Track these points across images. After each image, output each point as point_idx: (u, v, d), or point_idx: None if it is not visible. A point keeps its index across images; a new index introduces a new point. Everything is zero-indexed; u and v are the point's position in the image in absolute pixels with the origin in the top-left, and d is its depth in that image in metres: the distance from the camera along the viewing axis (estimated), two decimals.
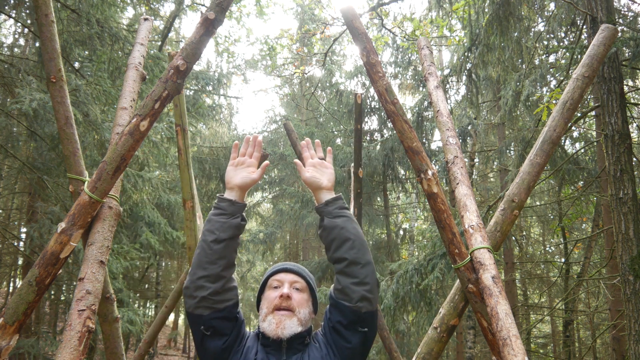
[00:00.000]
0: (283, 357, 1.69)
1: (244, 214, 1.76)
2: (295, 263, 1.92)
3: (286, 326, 1.68)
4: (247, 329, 1.86)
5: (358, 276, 1.67)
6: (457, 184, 2.20)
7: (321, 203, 1.79)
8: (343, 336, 1.69)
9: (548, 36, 8.68)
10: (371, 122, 14.28)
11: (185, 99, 3.68)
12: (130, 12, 12.47)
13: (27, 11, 7.34)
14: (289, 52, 17.21)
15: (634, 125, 8.93)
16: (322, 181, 1.81)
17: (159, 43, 10.81)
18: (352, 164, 3.16)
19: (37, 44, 7.94)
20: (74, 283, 6.01)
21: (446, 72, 10.95)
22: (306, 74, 16.12)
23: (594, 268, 11.03)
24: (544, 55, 8.72)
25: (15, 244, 9.73)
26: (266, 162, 1.85)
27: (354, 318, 1.67)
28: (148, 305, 21.74)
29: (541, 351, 14.70)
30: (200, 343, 1.70)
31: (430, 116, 10.63)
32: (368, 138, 13.96)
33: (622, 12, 7.94)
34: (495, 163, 12.44)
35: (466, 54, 7.86)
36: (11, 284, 14.01)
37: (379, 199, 14.84)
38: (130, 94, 2.34)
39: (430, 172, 1.98)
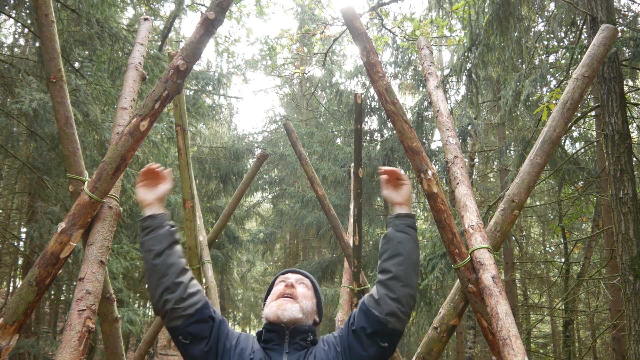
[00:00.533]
0: (286, 351, 1.69)
1: (170, 222, 1.83)
2: (302, 270, 2.01)
3: (287, 308, 1.72)
4: (232, 328, 1.87)
5: (396, 292, 1.70)
6: (457, 184, 2.20)
7: (393, 215, 1.87)
8: (362, 343, 1.69)
9: (548, 36, 8.68)
10: (371, 122, 14.29)
11: (185, 99, 3.68)
12: (130, 12, 12.47)
13: (27, 11, 7.34)
14: (289, 52, 17.21)
15: (634, 125, 8.93)
16: (396, 198, 1.89)
17: (159, 43, 10.80)
18: (352, 164, 3.15)
19: (37, 44, 7.94)
20: (74, 283, 6.00)
21: (446, 72, 10.96)
22: (306, 74, 16.11)
23: (594, 268, 11.03)
24: (544, 55, 8.72)
25: (15, 244, 9.73)
26: (168, 169, 1.92)
27: (379, 329, 1.68)
28: (148, 305, 21.73)
29: (541, 351, 14.70)
30: (184, 353, 1.72)
31: (430, 116, 10.64)
32: (368, 138, 13.96)
33: (622, 12, 7.94)
34: (495, 163, 12.44)
35: (466, 54, 7.86)
36: (11, 284, 14.01)
37: (379, 199, 14.83)
38: (130, 94, 2.34)
39: (430, 172, 1.98)
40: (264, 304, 1.87)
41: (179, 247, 1.80)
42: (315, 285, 1.93)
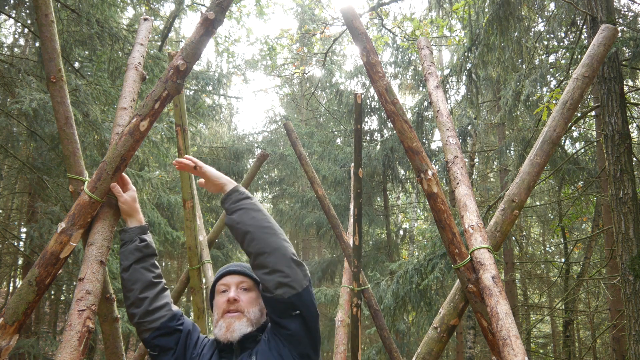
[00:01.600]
0: (236, 356, 1.71)
1: (142, 235, 1.84)
2: (240, 263, 1.90)
3: (235, 328, 1.70)
4: (204, 335, 1.88)
5: (267, 265, 1.64)
6: (457, 184, 2.20)
7: (222, 200, 1.78)
8: (281, 325, 1.68)
9: (548, 36, 8.68)
10: (371, 122, 14.28)
11: (185, 99, 3.68)
12: (130, 12, 12.48)
13: (27, 11, 7.34)
14: (289, 52, 17.21)
15: (634, 125, 8.93)
16: (210, 186, 1.81)
17: (159, 43, 10.80)
18: (352, 164, 3.15)
19: (37, 44, 7.94)
20: (74, 283, 6.00)
21: (446, 72, 10.96)
22: (306, 74, 16.12)
23: (594, 268, 11.04)
24: (544, 55, 8.72)
25: (15, 244, 9.73)
26: (116, 184, 1.90)
27: (282, 306, 1.65)
28: None
29: (541, 351, 14.70)
30: None
31: (430, 116, 10.64)
32: (368, 138, 13.96)
33: (622, 12, 7.94)
34: (495, 163, 12.44)
35: (466, 54, 7.86)
36: (11, 284, 14.01)
37: (379, 199, 14.84)
38: (130, 94, 2.33)
39: (430, 172, 1.98)
40: (212, 310, 1.85)
41: (150, 261, 1.81)
42: (256, 280, 1.82)
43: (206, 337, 1.87)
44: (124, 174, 1.94)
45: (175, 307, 1.83)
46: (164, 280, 1.84)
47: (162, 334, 1.73)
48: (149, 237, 1.87)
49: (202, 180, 1.84)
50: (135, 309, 1.74)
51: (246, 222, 1.68)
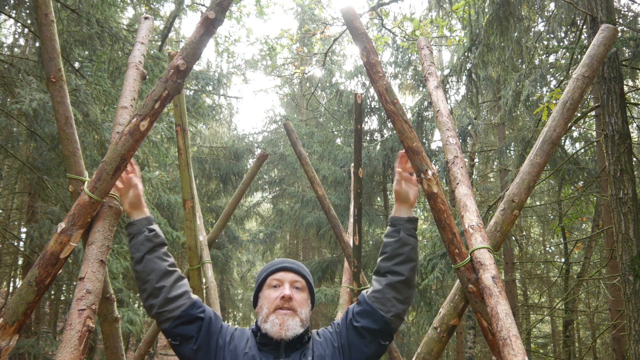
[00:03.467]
0: (282, 357, 1.69)
1: (150, 226, 1.83)
2: (293, 260, 1.91)
3: (289, 327, 1.69)
4: (227, 323, 1.85)
5: (403, 294, 1.78)
6: (457, 184, 2.20)
7: (403, 217, 1.88)
8: (365, 341, 1.73)
9: (548, 36, 8.68)
10: (371, 122, 14.28)
11: (185, 99, 3.68)
12: (130, 12, 12.47)
13: (27, 11, 7.33)
14: (289, 52, 17.20)
15: (634, 125, 8.93)
16: (410, 197, 1.91)
17: (159, 43, 10.80)
18: (352, 164, 3.15)
19: (37, 44, 7.93)
20: (74, 283, 6.00)
21: (446, 72, 10.96)
22: (306, 74, 16.12)
23: (594, 268, 11.04)
24: (544, 55, 8.72)
25: (15, 244, 9.72)
26: (130, 169, 1.91)
27: (383, 328, 1.74)
28: None
29: (541, 351, 14.69)
30: (176, 353, 1.75)
31: (430, 116, 10.63)
32: (368, 138, 13.96)
33: (622, 12, 7.94)
34: (495, 163, 12.44)
35: (466, 54, 7.86)
36: (11, 284, 14.00)
37: (379, 199, 14.83)
38: (131, 92, 2.33)
39: (430, 172, 1.98)
40: (255, 304, 1.85)
41: (161, 250, 1.80)
42: (309, 280, 1.85)
43: (232, 326, 1.85)
44: (135, 165, 1.95)
45: (194, 296, 1.80)
46: (178, 270, 1.82)
47: (182, 322, 1.70)
48: (156, 226, 1.86)
49: (403, 184, 1.91)
50: (154, 300, 1.71)
51: (416, 252, 1.85)
